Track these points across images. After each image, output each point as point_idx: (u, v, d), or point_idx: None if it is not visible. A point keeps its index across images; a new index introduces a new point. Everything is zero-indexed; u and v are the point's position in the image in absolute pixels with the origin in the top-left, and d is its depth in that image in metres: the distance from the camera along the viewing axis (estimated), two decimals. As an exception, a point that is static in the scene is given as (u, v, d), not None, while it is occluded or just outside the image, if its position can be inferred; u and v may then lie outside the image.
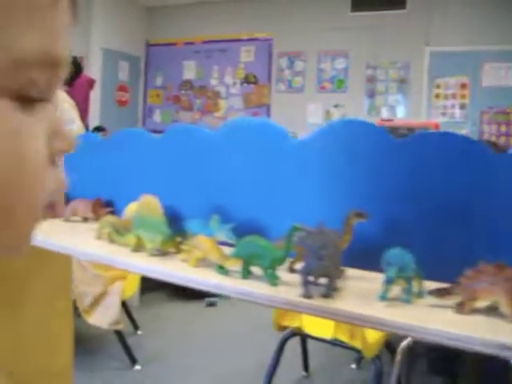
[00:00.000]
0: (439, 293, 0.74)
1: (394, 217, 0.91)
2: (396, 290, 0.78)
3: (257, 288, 0.80)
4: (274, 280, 0.83)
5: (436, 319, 0.69)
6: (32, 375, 1.37)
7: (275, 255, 0.83)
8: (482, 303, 0.72)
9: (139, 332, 3.59)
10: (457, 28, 6.75)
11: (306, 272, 0.76)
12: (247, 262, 0.86)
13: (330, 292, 0.75)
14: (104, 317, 3.03)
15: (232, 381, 3.03)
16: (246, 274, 0.87)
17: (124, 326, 3.16)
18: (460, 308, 0.71)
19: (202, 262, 0.93)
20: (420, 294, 0.78)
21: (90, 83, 6.08)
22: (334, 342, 2.57)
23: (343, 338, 2.45)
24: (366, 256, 0.91)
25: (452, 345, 0.63)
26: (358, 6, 7.58)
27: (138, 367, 3.09)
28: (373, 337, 2.48)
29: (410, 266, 0.75)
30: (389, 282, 0.74)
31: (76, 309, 2.95)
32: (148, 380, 2.97)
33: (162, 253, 1.00)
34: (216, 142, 1.10)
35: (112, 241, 1.09)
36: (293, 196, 1.00)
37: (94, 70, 8.26)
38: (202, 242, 0.92)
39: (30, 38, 0.32)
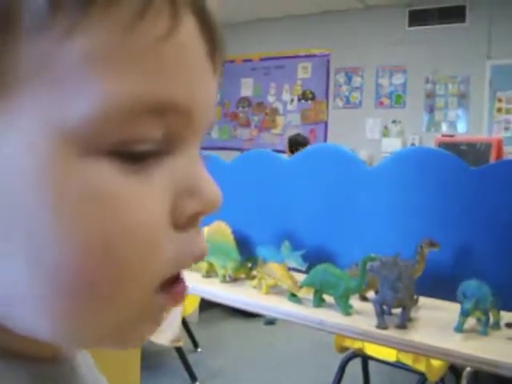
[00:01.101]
0: (518, 326, 0.73)
1: (467, 245, 0.90)
2: (472, 320, 0.77)
3: (330, 317, 0.80)
4: (347, 309, 0.83)
5: (517, 354, 0.68)
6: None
7: (349, 284, 0.83)
8: None
9: (199, 350, 3.63)
10: (519, 40, 6.59)
11: (380, 303, 0.76)
12: (320, 290, 0.87)
13: (404, 323, 0.75)
14: (165, 334, 3.08)
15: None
16: (319, 302, 0.87)
17: (184, 343, 3.20)
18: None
19: (274, 289, 0.94)
20: (496, 326, 0.76)
21: None
22: (397, 365, 2.53)
23: (407, 361, 2.41)
24: (440, 285, 0.90)
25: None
26: (416, 21, 7.50)
27: (198, 385, 3.12)
28: (437, 361, 2.43)
29: (487, 298, 0.74)
30: (465, 314, 0.73)
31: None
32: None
33: (234, 279, 1.02)
34: (288, 169, 1.11)
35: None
36: (364, 224, 1.00)
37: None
38: (273, 270, 0.93)
39: (125, 83, 0.27)
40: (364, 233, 0.98)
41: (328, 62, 8.21)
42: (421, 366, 2.39)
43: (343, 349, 2.65)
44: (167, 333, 3.09)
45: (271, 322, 4.25)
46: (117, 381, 1.46)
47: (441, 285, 0.88)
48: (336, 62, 8.10)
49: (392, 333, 0.74)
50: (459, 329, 0.75)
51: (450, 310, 0.81)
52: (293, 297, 0.90)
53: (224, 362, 3.50)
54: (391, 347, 0.72)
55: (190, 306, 3.23)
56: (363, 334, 0.75)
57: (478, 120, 6.96)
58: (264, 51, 8.66)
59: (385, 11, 7.71)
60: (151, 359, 3.47)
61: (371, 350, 2.55)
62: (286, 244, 0.98)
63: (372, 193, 1.01)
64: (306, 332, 4.08)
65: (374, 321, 0.77)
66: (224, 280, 1.01)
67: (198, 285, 0.99)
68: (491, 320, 0.77)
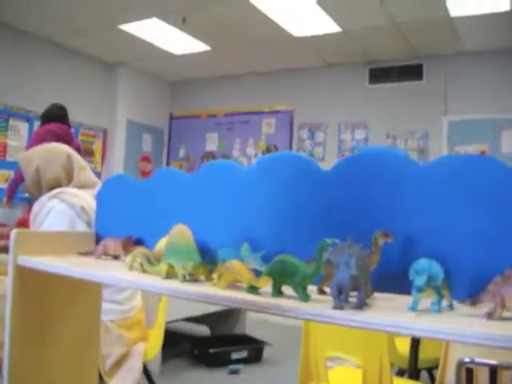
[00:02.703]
0: (470, 301, 0.75)
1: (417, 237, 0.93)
2: (426, 303, 0.78)
3: (288, 303, 0.81)
4: (305, 297, 0.83)
5: (470, 324, 0.69)
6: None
7: (306, 272, 0.84)
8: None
9: (161, 399, 3.52)
10: (474, 97, 6.88)
11: (337, 285, 0.77)
12: (278, 280, 0.88)
13: (361, 303, 0.76)
14: (125, 380, 2.99)
15: None
16: (277, 293, 0.88)
17: (145, 390, 3.11)
18: (490, 315, 0.71)
19: (232, 286, 0.94)
20: (450, 307, 0.78)
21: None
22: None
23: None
24: (392, 280, 0.92)
25: (486, 344, 0.63)
26: (376, 78, 7.78)
27: (159, 433, 3.02)
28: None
29: (438, 275, 0.76)
30: (418, 290, 0.75)
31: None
32: None
33: (193, 279, 1.02)
34: (248, 177, 1.13)
35: (144, 271, 1.11)
36: (320, 225, 1.03)
37: (118, 140, 8.54)
38: (232, 265, 0.93)
39: None
40: (322, 235, 1.00)
41: (291, 117, 8.40)
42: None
43: (307, 389, 2.61)
44: (127, 379, 3.00)
45: (235, 371, 4.16)
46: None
47: (393, 279, 0.91)
48: (299, 117, 8.30)
49: (348, 313, 0.75)
50: (414, 308, 0.76)
51: (405, 301, 0.83)
52: (252, 289, 0.91)
53: (186, 411, 3.40)
54: (348, 326, 0.73)
55: (152, 351, 3.15)
56: (319, 315, 0.76)
57: (438, 173, 7.14)
58: (228, 107, 8.83)
59: (346, 69, 7.99)
60: (111, 408, 3.35)
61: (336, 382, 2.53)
62: (246, 246, 1.00)
63: (328, 195, 1.04)
64: (272, 381, 4.01)
65: (333, 303, 0.78)
66: (184, 279, 1.01)
67: (157, 284, 0.98)
68: (444, 301, 0.79)
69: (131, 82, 9.12)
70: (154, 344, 3.18)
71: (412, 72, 7.59)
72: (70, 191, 2.90)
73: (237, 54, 8.00)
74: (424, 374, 3.12)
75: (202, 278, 1.03)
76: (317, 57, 7.88)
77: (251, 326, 5.10)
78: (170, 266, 1.04)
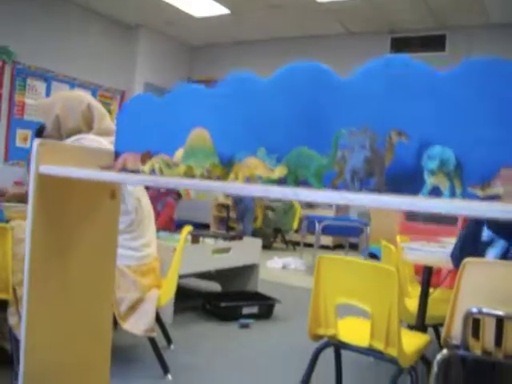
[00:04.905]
0: (480, 186, 0.76)
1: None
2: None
3: (304, 191, 0.83)
4: (320, 186, 0.86)
5: (481, 204, 0.71)
6: (77, 317, 1.41)
7: (321, 162, 0.86)
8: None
9: (172, 347, 3.60)
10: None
11: (351, 170, 0.79)
12: (293, 171, 0.90)
13: (377, 187, 0.78)
14: (139, 323, 3.05)
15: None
16: (293, 183, 0.90)
17: (158, 340, 3.17)
18: (501, 198, 0.73)
19: (249, 181, 0.97)
20: (461, 196, 0.80)
21: None
22: (370, 352, 2.54)
23: (379, 345, 2.42)
24: (405, 182, 0.94)
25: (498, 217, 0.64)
26: (398, 48, 7.70)
27: (169, 377, 3.09)
28: (409, 348, 2.45)
29: (450, 160, 0.77)
30: (430, 172, 0.76)
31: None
32: (180, 388, 2.96)
33: (211, 177, 1.05)
34: (265, 88, 1.15)
35: (162, 173, 1.14)
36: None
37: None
38: (249, 161, 0.96)
39: None
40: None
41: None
42: (393, 352, 2.40)
43: (317, 337, 2.65)
44: (141, 323, 3.06)
45: (246, 325, 4.23)
46: (87, 309, 1.47)
47: (406, 182, 0.92)
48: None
49: (365, 196, 0.77)
50: (425, 193, 0.78)
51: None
52: (268, 181, 0.93)
53: (196, 359, 3.47)
54: (365, 205, 0.75)
55: (165, 297, 3.21)
56: (338, 198, 0.77)
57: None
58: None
59: (367, 37, 7.91)
60: (126, 353, 3.44)
61: (345, 335, 2.57)
62: (262, 149, 1.02)
63: (344, 104, 1.06)
64: (282, 336, 4.08)
65: (349, 187, 0.80)
66: (202, 178, 1.04)
67: (176, 180, 1.01)
68: (457, 189, 0.81)
69: (150, 45, 9.12)
70: (167, 291, 3.24)
71: (435, 43, 7.50)
72: (89, 137, 2.94)
73: (257, 18, 7.96)
74: (430, 331, 3.16)
75: (220, 175, 1.05)
76: (339, 24, 7.81)
77: (263, 285, 5.16)
78: (189, 168, 1.06)
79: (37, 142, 1.27)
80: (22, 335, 1.38)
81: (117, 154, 1.41)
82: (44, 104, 3.23)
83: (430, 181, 0.77)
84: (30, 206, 1.30)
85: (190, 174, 1.06)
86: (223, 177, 1.05)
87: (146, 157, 1.30)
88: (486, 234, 2.31)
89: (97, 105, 3.14)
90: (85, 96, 3.18)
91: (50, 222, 1.35)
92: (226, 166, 1.05)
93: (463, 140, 0.92)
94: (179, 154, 1.20)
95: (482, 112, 0.90)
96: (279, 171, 0.90)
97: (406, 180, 0.96)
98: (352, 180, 0.79)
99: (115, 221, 1.51)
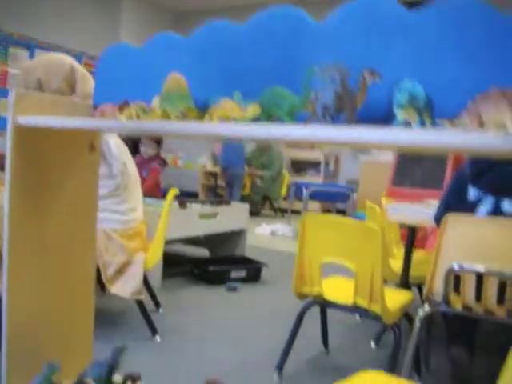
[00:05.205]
0: (449, 119, 0.77)
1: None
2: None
3: (278, 127, 0.82)
4: (292, 121, 0.86)
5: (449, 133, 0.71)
6: (58, 275, 1.42)
7: (294, 100, 0.86)
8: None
9: (160, 310, 3.63)
10: None
11: (322, 104, 0.79)
12: (267, 109, 0.90)
13: (348, 120, 0.78)
14: (126, 286, 3.08)
15: (250, 354, 3.04)
16: (266, 120, 0.90)
17: (146, 301, 3.20)
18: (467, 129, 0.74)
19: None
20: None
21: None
22: (354, 310, 2.58)
23: (363, 303, 2.46)
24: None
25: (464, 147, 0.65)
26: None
27: (158, 338, 3.12)
28: (392, 305, 2.49)
29: (420, 96, 0.78)
30: (399, 105, 0.77)
31: (98, 282, 3.00)
32: (167, 349, 2.99)
33: (186, 118, 1.04)
34: (239, 35, 1.15)
35: (139, 119, 1.14)
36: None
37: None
38: (224, 103, 0.96)
39: None
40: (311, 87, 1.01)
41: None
42: (376, 308, 2.44)
43: (302, 295, 2.68)
44: (128, 285, 3.08)
45: (233, 288, 4.27)
46: (68, 269, 1.47)
47: (378, 123, 0.93)
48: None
49: (336, 130, 0.76)
50: (396, 124, 0.79)
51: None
52: (243, 120, 0.93)
53: (184, 321, 3.51)
54: (335, 140, 0.75)
55: (152, 260, 3.23)
56: (309, 135, 0.77)
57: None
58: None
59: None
60: (111, 316, 3.47)
61: (329, 294, 2.60)
62: (237, 93, 1.02)
63: (320, 46, 1.05)
64: (268, 299, 4.13)
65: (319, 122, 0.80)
66: (177, 118, 1.04)
67: (152, 123, 1.01)
68: (427, 123, 0.81)
69: (135, 11, 8.99)
70: (154, 254, 3.26)
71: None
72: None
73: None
74: (414, 291, 3.22)
75: (195, 117, 1.05)
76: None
77: (251, 251, 5.20)
78: (165, 112, 1.06)
79: (13, 92, 1.26)
80: (3, 296, 1.37)
81: (95, 106, 1.40)
82: (25, 67, 3.19)
83: (399, 114, 0.78)
84: (7, 161, 1.29)
85: (165, 118, 1.06)
86: (199, 118, 1.05)
87: (123, 106, 1.30)
88: (472, 193, 2.32)
89: (80, 67, 3.10)
90: (67, 58, 3.13)
91: (28, 177, 1.34)
92: (201, 110, 1.05)
93: (435, 78, 0.92)
94: (156, 101, 1.20)
95: (452, 50, 0.91)
96: (252, 110, 0.90)
97: (378, 122, 0.96)
98: (324, 116, 0.79)
99: (95, 175, 1.50)
